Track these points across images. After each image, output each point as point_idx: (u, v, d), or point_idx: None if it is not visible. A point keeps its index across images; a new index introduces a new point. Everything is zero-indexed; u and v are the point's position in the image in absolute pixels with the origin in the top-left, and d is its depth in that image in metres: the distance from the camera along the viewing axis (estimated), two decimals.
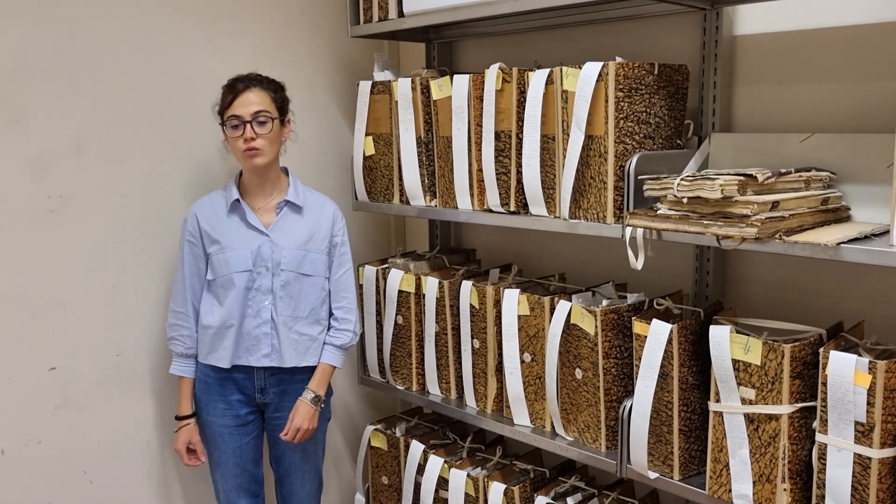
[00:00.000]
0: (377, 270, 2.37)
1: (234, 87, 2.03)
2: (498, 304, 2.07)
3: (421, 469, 2.31)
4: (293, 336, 2.11)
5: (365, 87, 2.31)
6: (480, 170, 2.03)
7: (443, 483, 2.25)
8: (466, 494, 2.19)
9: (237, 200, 2.09)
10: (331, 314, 2.19)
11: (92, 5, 2.07)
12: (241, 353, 2.10)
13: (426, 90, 2.15)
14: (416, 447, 2.33)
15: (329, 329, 2.18)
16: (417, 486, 2.32)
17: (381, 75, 2.33)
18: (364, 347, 2.46)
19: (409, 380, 2.35)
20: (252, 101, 2.01)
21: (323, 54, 2.53)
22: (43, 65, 2.00)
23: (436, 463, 2.26)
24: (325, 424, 2.26)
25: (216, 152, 2.31)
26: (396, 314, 2.32)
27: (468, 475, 2.18)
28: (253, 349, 2.10)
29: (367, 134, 2.33)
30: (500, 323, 2.05)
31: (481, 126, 2.00)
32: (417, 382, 2.33)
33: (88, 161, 2.10)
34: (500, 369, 2.11)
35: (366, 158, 2.35)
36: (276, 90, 2.08)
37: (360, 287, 2.40)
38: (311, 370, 2.15)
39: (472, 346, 2.16)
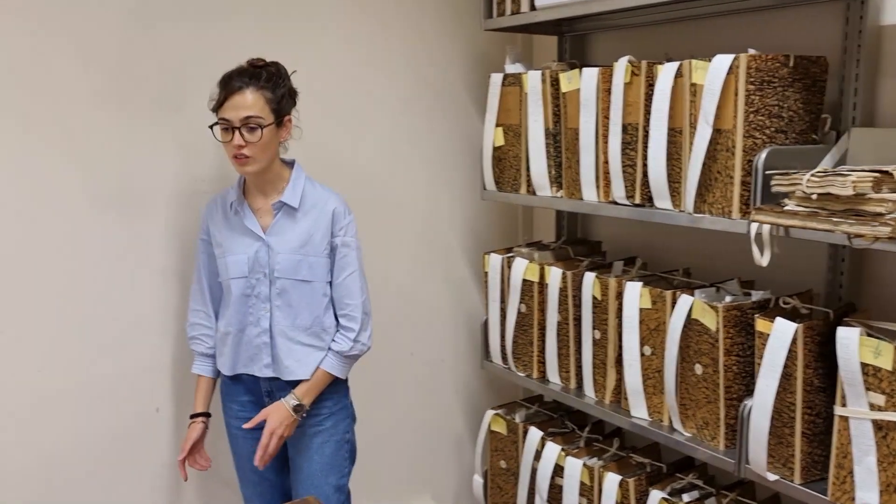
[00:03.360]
0: (502, 259, 2.42)
1: (228, 85, 1.86)
2: (620, 296, 2.08)
3: (538, 455, 2.35)
4: (295, 347, 1.96)
5: (496, 79, 2.37)
6: (606, 162, 2.04)
7: (559, 470, 2.28)
8: (582, 483, 2.21)
9: (237, 202, 1.97)
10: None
11: (243, 6, 2.24)
12: (243, 361, 2.00)
13: (556, 82, 2.18)
14: (535, 434, 2.37)
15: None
16: (534, 471, 2.37)
17: (512, 68, 2.38)
18: (487, 333, 2.53)
19: (530, 367, 2.40)
20: (243, 105, 1.83)
21: (456, 47, 2.61)
22: (199, 59, 2.18)
23: (553, 450, 2.30)
24: (343, 443, 2.07)
25: (351, 144, 2.43)
26: (520, 302, 2.37)
27: (584, 464, 2.21)
28: (255, 358, 1.98)
29: (496, 125, 2.38)
30: (622, 315, 2.06)
31: (608, 118, 2.01)
32: (538, 370, 2.38)
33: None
34: (619, 361, 2.12)
35: (495, 149, 2.41)
36: (276, 88, 1.88)
37: (485, 275, 2.47)
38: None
39: (593, 337, 2.18)
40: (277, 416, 1.93)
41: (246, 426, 1.96)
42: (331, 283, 2.00)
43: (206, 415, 2.08)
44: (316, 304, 1.97)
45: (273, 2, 2.29)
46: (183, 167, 2.21)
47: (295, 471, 2.07)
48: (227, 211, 1.99)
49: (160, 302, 2.21)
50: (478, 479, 2.63)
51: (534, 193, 2.31)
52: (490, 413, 2.56)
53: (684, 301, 1.89)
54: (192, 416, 2.07)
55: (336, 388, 2.06)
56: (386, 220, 2.57)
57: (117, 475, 2.21)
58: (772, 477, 1.75)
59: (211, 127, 1.88)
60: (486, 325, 2.52)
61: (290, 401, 1.94)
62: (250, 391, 2.04)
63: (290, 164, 2.01)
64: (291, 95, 1.94)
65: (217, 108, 1.87)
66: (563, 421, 2.49)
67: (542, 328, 2.34)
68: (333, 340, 2.00)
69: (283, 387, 1.98)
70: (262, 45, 2.25)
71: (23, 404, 2.05)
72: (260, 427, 1.96)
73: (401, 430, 2.71)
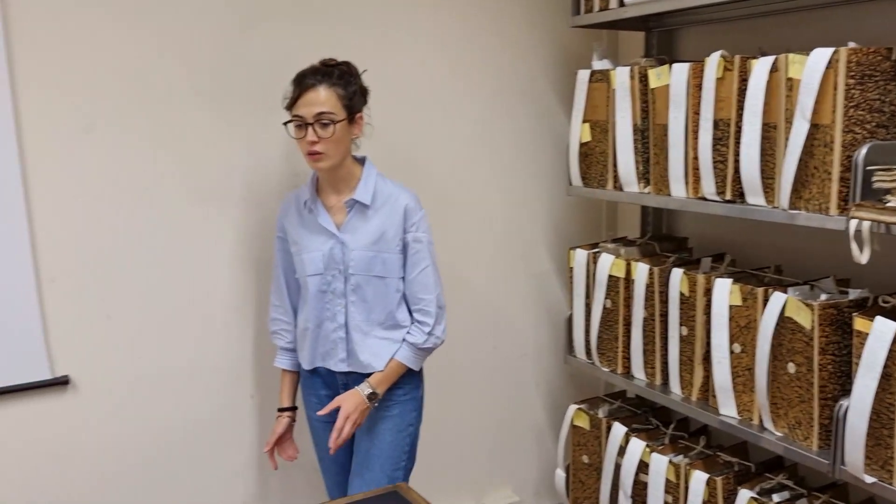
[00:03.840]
0: (588, 254, 2.43)
1: (301, 83, 1.89)
2: (708, 292, 2.06)
3: (622, 451, 2.35)
4: (370, 341, 2.00)
5: (584, 75, 2.38)
6: (696, 157, 2.03)
7: (643, 467, 2.28)
8: (667, 480, 2.21)
9: (310, 200, 1.99)
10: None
11: (336, 7, 2.30)
12: (320, 355, 2.04)
13: (644, 78, 2.17)
14: (619, 429, 2.38)
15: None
16: (618, 467, 2.37)
17: (599, 64, 2.39)
18: (571, 328, 2.54)
19: (614, 362, 2.40)
20: (316, 101, 1.86)
21: (542, 44, 2.63)
22: (296, 60, 2.25)
23: (637, 446, 2.30)
24: (405, 435, 2.07)
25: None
26: (605, 298, 2.37)
27: (670, 461, 2.20)
28: (331, 353, 2.02)
29: (583, 121, 2.39)
30: (710, 312, 2.04)
31: (699, 114, 2.00)
32: (623, 366, 2.38)
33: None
34: (707, 358, 2.11)
35: (581, 145, 2.42)
36: (348, 85, 1.91)
37: (570, 270, 2.48)
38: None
39: (680, 334, 2.17)
40: (352, 402, 1.95)
41: (321, 412, 1.99)
42: (404, 278, 2.01)
43: (293, 409, 2.14)
44: (390, 300, 1.99)
45: (363, 2, 2.34)
46: (282, 163, 2.29)
47: (355, 453, 2.09)
48: (301, 209, 2.01)
49: (258, 292, 2.30)
50: (560, 473, 2.64)
51: (621, 189, 2.31)
52: (573, 407, 2.57)
53: (777, 298, 1.87)
54: (279, 410, 2.13)
55: (408, 379, 2.07)
56: (470, 215, 2.61)
57: (208, 458, 2.32)
58: (869, 479, 1.72)
59: (285, 124, 1.92)
60: (570, 319, 2.54)
61: (364, 388, 1.96)
62: (327, 385, 2.07)
63: (362, 162, 2.02)
64: (363, 93, 1.96)
65: (291, 105, 1.90)
66: (647, 417, 2.48)
67: (628, 324, 2.34)
68: (408, 332, 2.02)
69: (358, 380, 2.00)
70: (352, 44, 2.32)
71: (121, 386, 2.17)
72: (334, 419, 1.98)
73: (482, 422, 2.75)
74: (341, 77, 1.90)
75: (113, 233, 2.11)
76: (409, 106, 2.45)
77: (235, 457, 2.36)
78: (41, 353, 2.03)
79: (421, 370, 2.12)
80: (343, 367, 2.01)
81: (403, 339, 2.01)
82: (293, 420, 2.14)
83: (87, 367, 2.11)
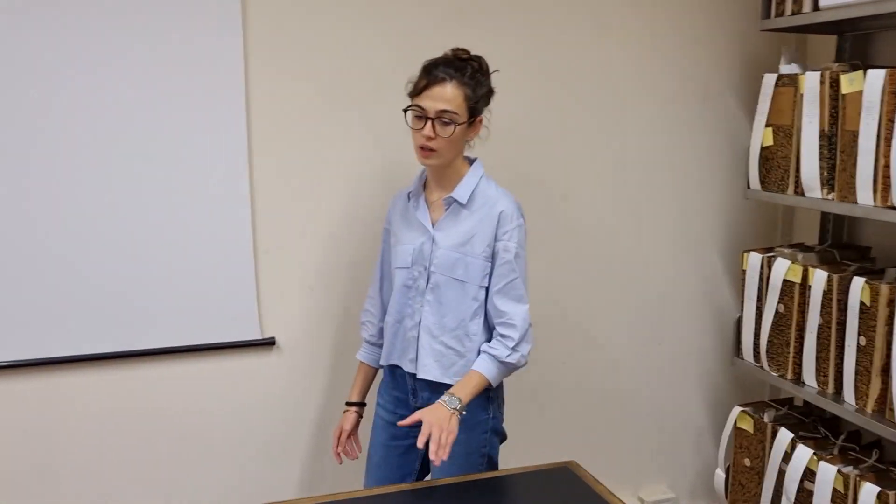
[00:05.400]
0: (762, 258, 2.43)
1: (431, 73, 1.80)
2: (892, 303, 2.03)
3: (787, 457, 2.34)
4: (437, 346, 1.89)
5: (770, 79, 2.38)
6: (887, 165, 2.00)
7: (809, 475, 2.27)
8: (834, 490, 2.18)
9: (414, 193, 1.95)
10: (491, 330, 1.91)
11: (528, 13, 2.43)
12: (395, 353, 1.96)
13: (835, 84, 2.16)
14: (785, 434, 2.37)
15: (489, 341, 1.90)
16: (781, 473, 2.36)
17: (787, 68, 2.38)
18: (740, 330, 2.55)
19: (784, 368, 2.40)
20: (441, 97, 1.78)
21: (727, 47, 2.64)
22: (488, 59, 2.39)
23: (804, 452, 2.29)
24: (478, 456, 1.92)
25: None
26: (778, 302, 2.37)
27: (839, 471, 2.18)
28: (405, 351, 1.94)
29: (766, 125, 2.40)
30: (893, 323, 2.01)
31: (893, 122, 1.97)
32: (793, 372, 2.37)
33: (512, 140, 2.47)
34: (886, 370, 2.07)
35: (763, 149, 2.42)
36: (477, 86, 1.82)
37: (742, 272, 2.49)
38: None
39: (858, 343, 2.14)
40: (432, 413, 1.75)
41: (402, 423, 1.80)
42: (488, 288, 1.88)
43: (362, 404, 2.10)
44: (465, 308, 1.88)
45: (549, 2, 2.46)
46: (476, 152, 2.44)
47: (431, 470, 1.95)
48: (405, 201, 1.97)
49: None
50: (720, 474, 2.66)
51: (802, 195, 2.30)
52: (737, 410, 2.58)
53: None
54: (348, 404, 2.09)
55: (474, 401, 1.85)
56: (644, 212, 2.67)
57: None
58: None
59: (405, 111, 1.84)
60: (739, 321, 2.55)
61: (444, 397, 1.79)
62: (398, 386, 1.99)
63: (471, 162, 1.95)
64: (488, 95, 1.88)
65: (416, 94, 1.82)
66: (815, 426, 2.45)
67: (801, 330, 2.32)
68: (489, 346, 1.87)
69: (424, 386, 1.92)
70: (537, 43, 2.44)
71: (320, 351, 2.41)
72: (395, 423, 1.90)
73: (642, 416, 2.80)
74: (473, 76, 1.82)
75: (326, 214, 2.34)
76: (585, 103, 2.54)
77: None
78: (253, 316, 2.30)
79: (492, 394, 1.93)
80: (411, 368, 1.93)
81: (486, 351, 1.86)
82: (360, 416, 2.10)
83: (291, 331, 2.36)
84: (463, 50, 1.85)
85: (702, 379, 2.84)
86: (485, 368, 1.84)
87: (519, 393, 2.62)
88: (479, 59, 1.86)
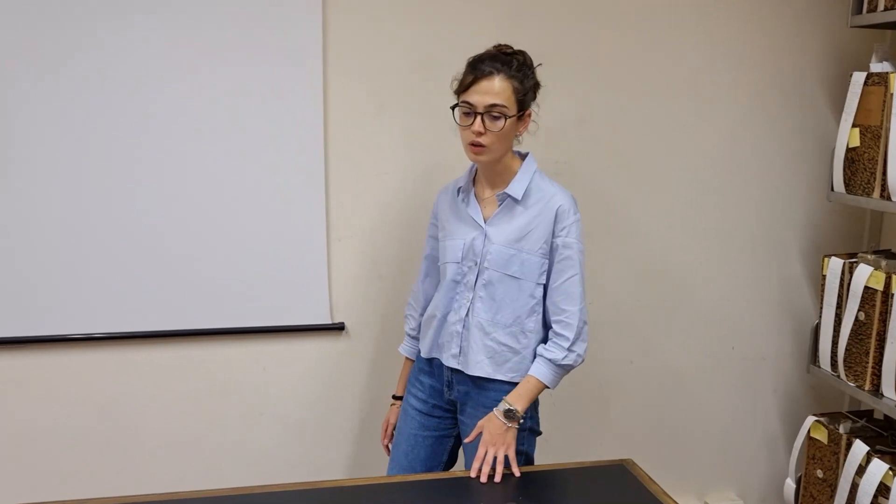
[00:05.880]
0: (844, 263, 2.35)
1: (477, 68, 1.77)
2: None
3: (861, 470, 2.26)
4: (489, 343, 1.86)
5: (858, 77, 2.29)
6: None
7: (883, 490, 2.19)
8: None
9: (464, 188, 1.93)
10: (549, 327, 1.89)
11: (604, 8, 2.41)
12: (436, 346, 1.96)
13: None
14: (860, 447, 2.29)
15: (546, 342, 1.89)
16: (854, 486, 2.28)
17: (878, 66, 2.28)
18: (817, 337, 2.47)
19: (862, 378, 2.31)
20: (490, 91, 1.75)
21: (815, 43, 2.55)
22: (559, 55, 2.40)
23: (879, 467, 2.20)
24: (518, 454, 1.86)
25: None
26: (858, 310, 2.28)
27: None
28: (446, 346, 1.92)
29: (853, 125, 2.31)
30: None
31: None
32: (871, 383, 2.28)
33: (587, 135, 2.46)
34: None
35: (848, 150, 2.33)
36: (524, 79, 1.79)
37: (822, 277, 2.41)
38: (509, 385, 1.87)
39: None
40: (494, 429, 1.78)
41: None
42: (545, 285, 1.87)
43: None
44: (521, 304, 1.86)
45: (630, 1, 2.43)
46: (544, 150, 2.42)
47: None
48: (454, 196, 1.95)
49: None
50: (790, 484, 2.59)
51: (889, 199, 2.20)
52: (811, 419, 2.50)
53: None
54: (394, 398, 2.13)
55: None
56: (723, 211, 2.61)
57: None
58: None
59: (452, 109, 1.82)
60: (816, 328, 2.47)
61: (501, 406, 1.81)
62: (433, 375, 1.99)
63: (523, 157, 1.92)
64: (535, 89, 1.84)
65: (463, 90, 1.79)
66: (893, 439, 2.36)
67: (881, 339, 2.24)
68: (545, 348, 1.85)
69: (463, 380, 1.92)
70: (614, 40, 2.42)
71: (387, 337, 2.46)
72: (427, 413, 1.97)
73: (711, 421, 2.75)
74: (519, 69, 1.78)
75: (397, 205, 2.38)
76: (665, 102, 2.50)
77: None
78: (324, 301, 2.37)
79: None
80: (453, 364, 1.91)
81: (541, 354, 1.85)
82: None
83: (360, 317, 2.42)
84: (506, 45, 1.83)
85: (777, 385, 2.77)
86: (541, 373, 1.83)
87: (584, 391, 2.62)
88: (523, 53, 1.83)
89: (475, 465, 1.76)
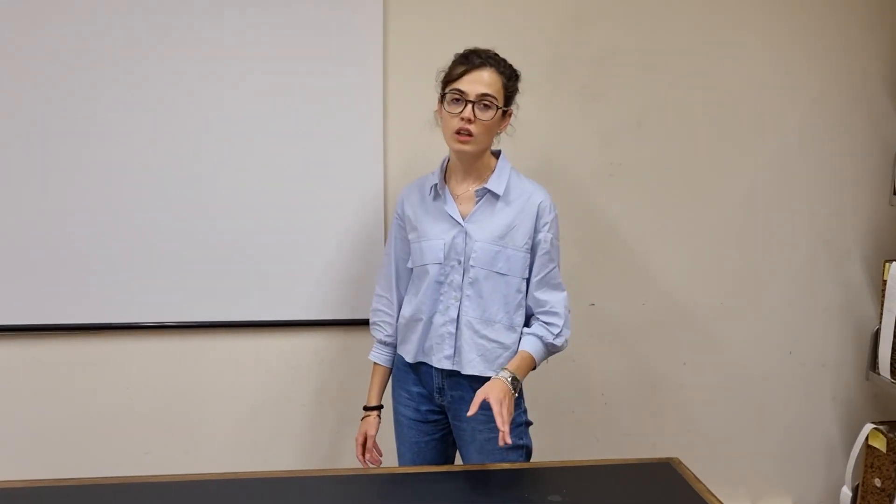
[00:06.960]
0: None
1: (470, 60, 1.80)
2: None
3: None
4: (480, 341, 1.86)
5: None
6: None
7: None
8: None
9: (439, 185, 1.89)
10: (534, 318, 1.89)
11: (665, 9, 2.42)
12: (425, 349, 1.92)
13: None
14: None
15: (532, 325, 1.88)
16: None
17: None
18: (877, 344, 2.42)
19: None
20: (483, 81, 1.77)
21: (881, 43, 2.50)
22: (619, 55, 2.42)
23: None
24: (518, 458, 1.88)
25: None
26: None
27: None
28: (436, 348, 1.89)
29: None
30: None
31: None
32: None
33: (644, 136, 2.47)
34: None
35: None
36: (510, 77, 1.83)
37: (883, 283, 2.36)
38: None
39: None
40: (498, 389, 1.72)
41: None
42: (528, 280, 1.88)
43: (380, 407, 2.04)
44: (509, 300, 1.86)
45: (690, 2, 2.43)
46: (599, 151, 2.47)
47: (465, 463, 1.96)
48: (425, 195, 1.92)
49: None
50: (846, 492, 2.54)
51: None
52: (869, 427, 2.46)
53: None
54: (367, 409, 2.04)
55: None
56: (782, 215, 2.58)
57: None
58: None
59: (441, 96, 1.83)
60: (876, 334, 2.42)
61: (503, 374, 1.78)
62: (422, 382, 1.96)
63: (496, 155, 1.92)
64: (516, 91, 1.88)
65: (454, 79, 1.79)
66: None
67: None
68: (534, 330, 1.86)
69: (457, 383, 1.90)
70: (674, 42, 2.42)
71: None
72: (423, 420, 1.96)
73: (768, 426, 2.72)
74: (507, 67, 1.83)
75: None
76: (725, 101, 2.49)
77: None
78: None
79: (521, 393, 1.91)
80: (447, 365, 1.88)
81: (532, 333, 1.86)
82: (380, 420, 2.05)
83: None
84: (494, 53, 1.85)
85: (836, 392, 2.72)
86: (535, 350, 1.84)
87: (636, 391, 2.63)
88: (507, 62, 1.85)
89: (499, 423, 1.66)
